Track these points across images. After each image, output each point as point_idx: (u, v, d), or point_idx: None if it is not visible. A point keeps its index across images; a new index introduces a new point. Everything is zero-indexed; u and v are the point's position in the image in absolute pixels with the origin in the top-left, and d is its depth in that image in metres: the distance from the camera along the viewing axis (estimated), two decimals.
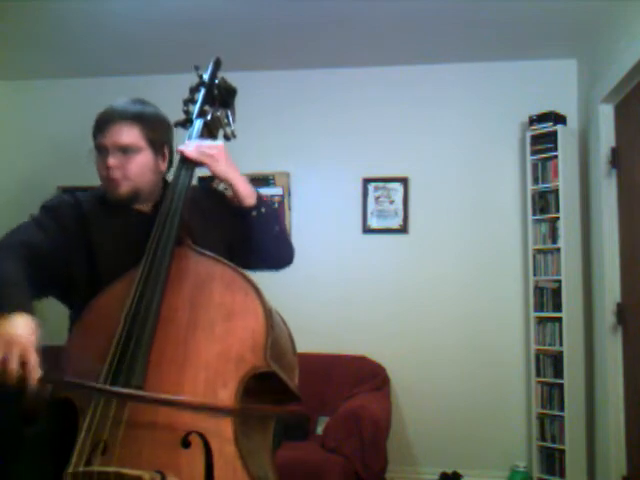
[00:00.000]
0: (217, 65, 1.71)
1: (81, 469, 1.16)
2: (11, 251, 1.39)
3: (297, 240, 1.79)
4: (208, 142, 1.57)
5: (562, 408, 3.31)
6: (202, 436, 1.20)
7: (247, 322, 1.31)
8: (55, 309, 1.63)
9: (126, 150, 1.52)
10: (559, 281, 3.38)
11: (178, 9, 3.23)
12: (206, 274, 1.39)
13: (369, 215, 3.89)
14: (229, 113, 1.69)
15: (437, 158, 3.85)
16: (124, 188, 1.53)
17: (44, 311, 1.41)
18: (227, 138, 1.68)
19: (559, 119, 3.50)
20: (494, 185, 3.79)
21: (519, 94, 3.77)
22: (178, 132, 1.67)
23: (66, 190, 3.99)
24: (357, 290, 3.83)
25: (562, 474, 3.29)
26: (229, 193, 1.61)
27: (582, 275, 3.43)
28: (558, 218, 3.42)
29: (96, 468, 1.16)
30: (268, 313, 1.32)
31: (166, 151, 1.62)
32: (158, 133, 1.58)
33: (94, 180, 1.65)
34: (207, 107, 1.66)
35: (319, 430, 3.29)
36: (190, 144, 1.55)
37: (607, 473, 3.06)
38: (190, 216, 1.52)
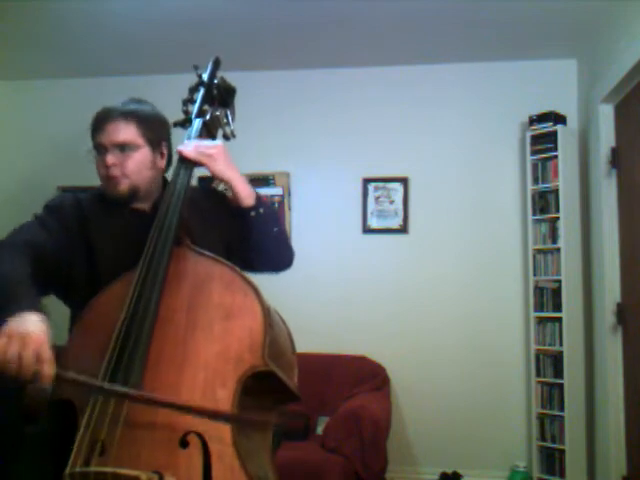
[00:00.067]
0: (216, 65, 1.71)
1: (78, 469, 1.16)
2: (16, 250, 1.40)
3: (297, 240, 1.79)
4: (207, 142, 1.57)
5: (562, 408, 3.31)
6: (200, 436, 1.20)
7: (245, 321, 1.31)
8: (56, 310, 1.63)
9: (124, 148, 1.52)
10: (559, 281, 3.39)
11: (178, 9, 3.23)
12: (205, 274, 1.39)
13: (369, 215, 3.89)
14: (228, 113, 1.68)
15: (437, 158, 3.85)
16: (123, 186, 1.53)
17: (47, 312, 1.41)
18: (226, 138, 1.67)
19: (559, 119, 3.50)
20: (494, 185, 3.79)
21: (519, 94, 3.77)
22: (177, 132, 1.67)
23: (66, 190, 3.99)
24: (357, 290, 3.83)
25: (562, 474, 3.29)
26: (229, 194, 1.60)
27: (582, 275, 3.43)
28: (558, 218, 3.42)
29: (93, 468, 1.16)
30: (266, 312, 1.32)
31: (164, 148, 1.62)
32: (155, 130, 1.58)
33: (94, 180, 1.65)
34: (206, 107, 1.65)
35: (319, 430, 3.30)
36: (189, 144, 1.55)
37: (607, 473, 3.06)
38: (189, 216, 1.52)
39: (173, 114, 1.67)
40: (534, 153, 3.54)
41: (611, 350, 3.08)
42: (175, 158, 1.60)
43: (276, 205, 3.92)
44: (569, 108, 3.63)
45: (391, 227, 3.86)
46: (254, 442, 1.31)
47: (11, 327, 1.17)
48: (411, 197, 3.86)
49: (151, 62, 3.93)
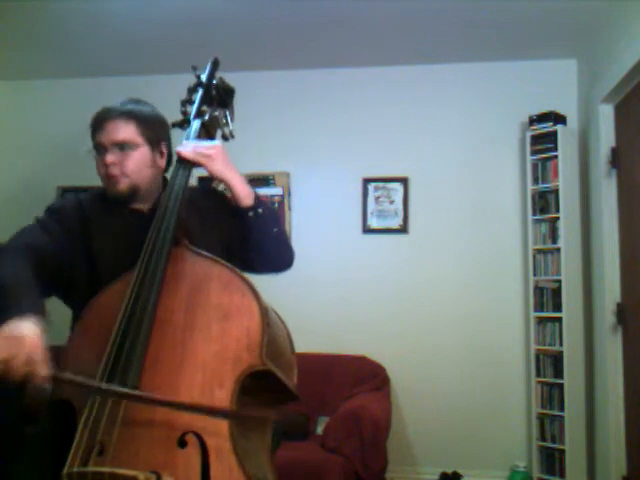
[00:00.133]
0: (215, 65, 1.71)
1: (76, 469, 1.16)
2: (17, 253, 1.41)
3: (297, 240, 1.79)
4: (205, 142, 1.57)
5: (562, 408, 3.31)
6: (198, 436, 1.21)
7: (242, 321, 1.31)
8: (56, 310, 1.63)
9: (123, 147, 1.53)
10: (559, 281, 3.38)
11: (178, 9, 3.23)
12: (203, 275, 1.39)
13: (369, 215, 3.89)
14: (227, 113, 1.68)
15: (437, 158, 3.85)
16: (122, 185, 1.54)
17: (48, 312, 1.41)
18: (225, 138, 1.68)
19: (559, 119, 3.50)
20: (494, 185, 3.79)
21: (519, 94, 3.77)
22: (176, 133, 1.67)
23: (66, 190, 4.00)
24: (357, 290, 3.83)
25: (562, 474, 3.29)
26: (229, 194, 1.61)
27: (582, 275, 3.43)
28: (558, 218, 3.42)
29: (91, 468, 1.16)
30: (264, 312, 1.32)
31: (164, 148, 1.63)
32: (154, 129, 1.59)
33: (94, 180, 1.65)
34: (205, 107, 1.66)
35: (319, 430, 3.29)
36: (187, 145, 1.55)
37: (607, 473, 3.06)
38: (188, 216, 1.52)
39: (173, 114, 1.67)
40: (534, 153, 3.54)
41: (611, 350, 3.08)
42: (175, 158, 1.60)
43: (276, 205, 3.92)
44: (569, 108, 3.63)
45: (391, 227, 3.86)
46: (253, 442, 1.31)
47: (5, 330, 1.19)
48: (411, 197, 3.86)
49: (151, 62, 3.93)
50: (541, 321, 3.46)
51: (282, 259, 1.71)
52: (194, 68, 1.69)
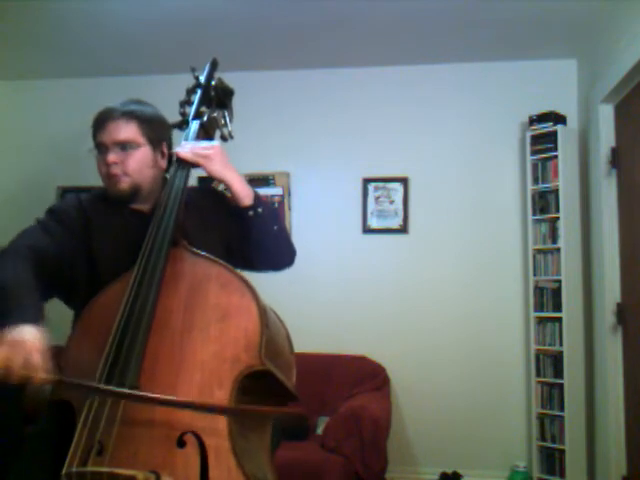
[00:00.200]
0: (213, 66, 1.71)
1: (75, 469, 1.17)
2: (19, 255, 1.41)
3: (297, 240, 1.78)
4: (204, 143, 1.57)
5: (562, 408, 3.31)
6: (197, 436, 1.21)
7: (241, 322, 1.31)
8: (56, 310, 1.63)
9: (125, 146, 1.54)
10: (559, 281, 3.38)
11: (178, 9, 3.23)
12: (202, 275, 1.39)
13: (369, 215, 3.89)
14: (226, 114, 1.69)
15: (437, 158, 3.85)
16: (124, 184, 1.54)
17: (48, 312, 1.41)
18: (224, 139, 1.68)
19: (559, 119, 3.50)
20: (494, 185, 3.79)
21: (519, 94, 3.77)
22: (175, 134, 1.68)
23: (66, 190, 4.00)
24: (357, 290, 3.83)
25: (562, 474, 3.29)
26: (229, 194, 1.61)
27: (582, 275, 3.43)
28: (558, 218, 3.42)
29: (90, 468, 1.16)
30: (263, 312, 1.32)
31: (165, 148, 1.63)
32: (156, 129, 1.60)
33: (94, 180, 1.65)
34: (204, 108, 1.66)
35: (319, 430, 3.29)
36: (185, 145, 1.55)
37: (607, 473, 3.05)
38: (187, 217, 1.53)
39: (173, 114, 1.67)
40: (534, 153, 3.54)
41: (611, 350, 3.08)
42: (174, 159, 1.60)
43: (276, 205, 3.92)
44: (569, 108, 3.63)
45: (391, 227, 3.86)
46: (252, 442, 1.31)
47: (6, 334, 1.21)
48: (411, 197, 3.86)
49: (151, 62, 3.93)
50: (541, 321, 3.46)
51: (282, 257, 1.71)
52: (193, 69, 1.69)
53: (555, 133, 3.46)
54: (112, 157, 1.53)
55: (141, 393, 1.22)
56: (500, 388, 3.65)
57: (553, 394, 3.37)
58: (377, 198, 3.88)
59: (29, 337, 1.21)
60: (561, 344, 3.34)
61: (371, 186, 3.89)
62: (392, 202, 3.86)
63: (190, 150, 1.53)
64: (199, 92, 1.67)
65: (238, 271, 1.40)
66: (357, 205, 3.90)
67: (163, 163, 1.63)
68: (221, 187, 1.73)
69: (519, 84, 3.79)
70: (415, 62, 3.87)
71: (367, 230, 3.88)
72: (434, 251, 3.81)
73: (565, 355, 3.32)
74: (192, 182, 1.63)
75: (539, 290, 3.48)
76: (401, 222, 3.85)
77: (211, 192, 1.79)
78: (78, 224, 1.56)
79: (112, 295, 1.41)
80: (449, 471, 3.55)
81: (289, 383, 1.38)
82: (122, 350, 1.28)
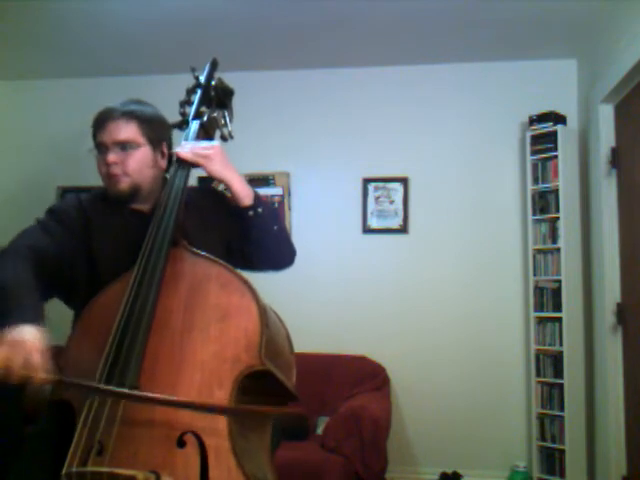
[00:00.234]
0: (213, 66, 1.71)
1: (75, 469, 1.17)
2: (19, 255, 1.41)
3: (297, 240, 1.78)
4: (203, 143, 1.57)
5: (562, 408, 3.31)
6: (197, 436, 1.21)
7: (241, 322, 1.31)
8: (57, 310, 1.63)
9: (125, 146, 1.54)
10: (559, 281, 3.38)
11: (178, 9, 3.23)
12: (202, 275, 1.39)
13: (369, 215, 3.89)
14: (226, 114, 1.69)
15: (437, 158, 3.85)
16: (124, 184, 1.55)
17: (48, 312, 1.41)
18: (224, 139, 1.68)
19: (559, 119, 3.50)
20: (494, 185, 3.79)
21: (519, 94, 3.77)
22: (175, 134, 1.68)
23: (66, 190, 4.00)
24: (357, 290, 3.83)
25: (562, 474, 3.29)
26: (229, 194, 1.61)
27: (582, 275, 3.43)
28: (558, 218, 3.42)
29: (90, 468, 1.16)
30: (263, 312, 1.32)
31: (165, 148, 1.63)
32: (156, 130, 1.60)
33: (94, 180, 1.65)
34: (204, 108, 1.66)
35: (319, 430, 3.29)
36: (185, 145, 1.55)
37: (607, 473, 3.05)
38: (187, 217, 1.53)
39: (173, 114, 1.67)
40: (534, 153, 3.54)
41: (611, 350, 3.08)
42: (174, 159, 1.60)
43: (276, 205, 3.92)
44: (569, 108, 3.63)
45: (391, 227, 3.86)
46: (252, 442, 1.32)
47: (6, 335, 1.21)
48: (411, 197, 3.86)
49: (151, 62, 3.93)
50: (541, 321, 3.46)
51: (282, 256, 1.71)
52: (193, 69, 1.69)
53: (555, 133, 3.46)
54: (112, 157, 1.53)
55: (141, 393, 1.22)
56: (500, 388, 3.65)
57: (553, 394, 3.37)
58: (377, 198, 3.88)
59: (29, 337, 1.21)
60: (561, 344, 3.34)
61: (371, 186, 3.89)
62: (392, 202, 3.86)
63: (190, 150, 1.53)
64: (199, 92, 1.67)
65: (238, 271, 1.40)
66: (357, 205, 3.90)
67: (163, 163, 1.63)
68: (221, 187, 1.73)
69: (519, 84, 3.79)
70: (415, 62, 3.87)
71: (367, 230, 3.88)
72: (434, 251, 3.81)
73: (565, 355, 3.32)
74: (192, 182, 1.63)
75: (539, 290, 3.48)
76: (401, 222, 3.85)
77: (211, 192, 1.79)
78: (78, 224, 1.56)
79: (112, 295, 1.41)
80: (449, 471, 3.55)
81: (289, 383, 1.38)
82: (122, 350, 1.28)
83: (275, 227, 1.65)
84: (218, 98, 1.69)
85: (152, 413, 1.22)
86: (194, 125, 1.62)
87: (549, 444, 3.36)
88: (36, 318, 1.27)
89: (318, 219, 3.93)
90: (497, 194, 3.78)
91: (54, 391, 1.33)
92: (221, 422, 1.22)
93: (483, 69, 3.84)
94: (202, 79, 1.68)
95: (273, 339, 1.34)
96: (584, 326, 3.40)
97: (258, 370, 1.27)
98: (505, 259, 3.73)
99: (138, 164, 1.55)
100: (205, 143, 1.57)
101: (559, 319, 3.37)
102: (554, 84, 3.73)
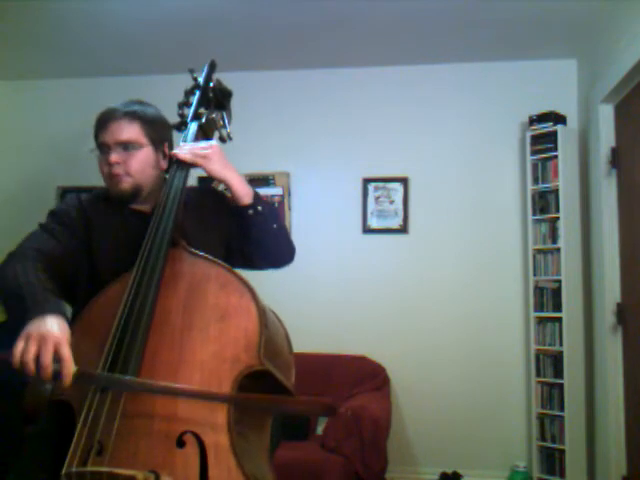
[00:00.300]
0: (212, 68, 1.71)
1: (74, 469, 1.17)
2: (28, 257, 1.42)
3: (297, 240, 1.78)
4: (202, 143, 1.58)
5: (562, 408, 3.31)
6: (197, 436, 1.21)
7: (240, 322, 1.31)
8: None
9: (127, 146, 1.54)
10: (559, 281, 3.38)
11: (178, 9, 3.23)
12: (201, 275, 1.39)
13: (369, 215, 3.89)
14: (225, 115, 1.69)
15: (437, 158, 3.85)
16: (126, 184, 1.55)
17: None
18: (223, 140, 1.68)
19: (559, 119, 3.50)
20: (494, 185, 3.79)
21: (519, 94, 3.77)
22: (174, 135, 1.68)
23: (66, 190, 4.00)
24: (357, 290, 3.83)
25: (562, 474, 3.29)
26: (229, 193, 1.61)
27: (582, 275, 3.43)
28: (558, 218, 3.42)
29: (89, 468, 1.17)
30: (262, 312, 1.32)
31: (166, 149, 1.64)
32: (158, 130, 1.60)
33: (94, 180, 1.66)
34: (202, 110, 1.66)
35: (319, 430, 3.30)
36: (184, 147, 1.56)
37: (607, 473, 3.05)
38: (186, 217, 1.53)
39: (173, 114, 1.68)
40: (534, 153, 3.54)
41: (611, 350, 3.08)
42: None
43: (276, 205, 3.92)
44: (569, 108, 3.63)
45: (391, 227, 3.86)
46: (251, 442, 1.32)
47: (30, 329, 1.21)
48: (411, 197, 3.86)
49: (151, 62, 3.93)
50: (541, 321, 3.46)
51: (282, 255, 1.71)
52: (191, 70, 1.70)
53: (555, 133, 3.46)
54: (114, 157, 1.53)
55: (156, 383, 1.22)
56: (500, 388, 3.65)
57: (553, 394, 3.37)
58: (377, 198, 3.88)
59: (55, 329, 1.21)
60: (561, 344, 3.34)
61: (371, 186, 3.89)
62: (392, 202, 3.86)
63: (189, 151, 1.53)
64: (197, 93, 1.67)
65: (237, 271, 1.40)
66: (357, 205, 3.90)
67: (164, 164, 1.64)
68: (221, 187, 1.74)
69: (519, 84, 3.79)
70: (415, 62, 3.87)
71: (367, 230, 3.88)
72: (434, 251, 3.81)
73: (565, 355, 3.32)
74: (192, 182, 1.63)
75: (539, 290, 3.49)
76: (401, 222, 3.85)
77: (211, 192, 1.79)
78: (78, 224, 1.57)
79: (111, 295, 1.41)
80: (449, 471, 3.55)
81: (288, 383, 1.39)
82: (122, 349, 1.28)
83: (275, 225, 1.65)
84: (217, 99, 1.69)
85: (152, 412, 1.22)
86: (193, 126, 1.62)
87: (549, 444, 3.36)
88: (58, 309, 1.27)
89: (318, 219, 3.93)
90: (497, 194, 3.78)
91: (54, 391, 1.32)
92: (221, 422, 1.22)
93: (483, 69, 3.85)
94: (200, 80, 1.68)
95: (272, 339, 1.34)
96: (584, 326, 3.40)
97: (257, 370, 1.27)
98: (505, 259, 3.73)
99: (140, 164, 1.55)
100: (203, 143, 1.57)
101: (559, 319, 3.37)
102: (554, 84, 3.73)
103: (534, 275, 3.51)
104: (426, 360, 3.72)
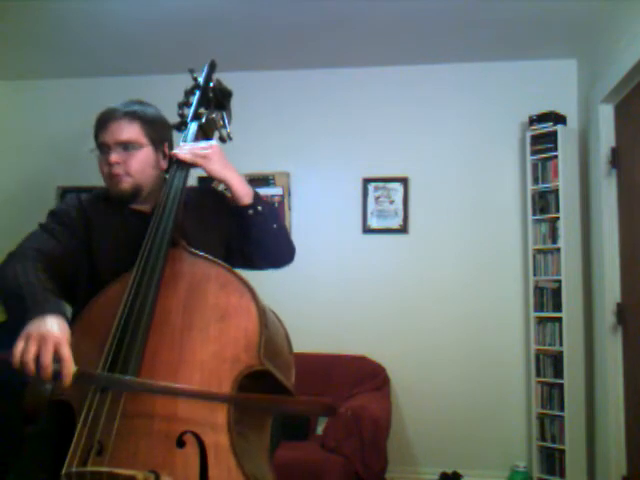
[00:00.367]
0: (212, 68, 1.71)
1: (74, 469, 1.17)
2: (28, 257, 1.42)
3: (297, 240, 1.78)
4: (202, 143, 1.58)
5: (562, 408, 3.31)
6: (197, 436, 1.21)
7: (240, 322, 1.31)
8: None
9: (127, 146, 1.55)
10: (559, 281, 3.38)
11: (178, 9, 3.23)
12: (201, 275, 1.39)
13: (369, 215, 3.89)
14: (225, 115, 1.69)
15: (437, 158, 3.85)
16: (126, 184, 1.55)
17: None
18: (223, 140, 1.68)
19: (559, 119, 3.50)
20: (494, 185, 3.79)
21: (519, 94, 3.77)
22: (174, 135, 1.68)
23: (66, 190, 4.00)
24: (357, 290, 3.83)
25: (562, 474, 3.29)
26: (229, 193, 1.61)
27: (582, 275, 3.43)
28: (558, 218, 3.42)
29: (89, 468, 1.17)
30: (262, 312, 1.32)
31: (166, 149, 1.64)
32: (158, 130, 1.61)
33: (94, 180, 1.66)
34: (202, 110, 1.66)
35: (319, 430, 3.30)
36: (184, 147, 1.56)
37: (607, 473, 3.05)
38: (186, 217, 1.53)
39: (173, 114, 1.68)
40: (534, 153, 3.54)
41: (611, 350, 3.08)
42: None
43: (276, 205, 3.92)
44: (569, 108, 3.63)
45: (391, 227, 3.86)
46: (251, 442, 1.32)
47: (30, 329, 1.20)
48: (411, 197, 3.86)
49: (151, 62, 3.93)
50: (541, 321, 3.46)
51: (282, 254, 1.71)
52: (191, 70, 1.69)
53: (555, 133, 3.46)
54: (115, 157, 1.53)
55: (156, 383, 1.22)
56: (500, 388, 3.65)
57: (553, 394, 3.37)
58: (377, 198, 3.88)
59: (55, 329, 1.21)
60: (561, 344, 3.34)
61: (371, 186, 3.89)
62: (392, 202, 3.86)
63: (189, 151, 1.53)
64: (197, 94, 1.68)
65: (237, 271, 1.40)
66: (357, 205, 3.90)
67: (164, 164, 1.64)
68: (221, 187, 1.74)
69: (519, 84, 3.79)
70: (415, 62, 3.87)
71: (367, 230, 3.88)
72: (434, 251, 3.81)
73: (565, 355, 3.32)
74: (192, 182, 1.63)
75: (539, 290, 3.49)
76: (401, 222, 3.85)
77: (211, 192, 1.79)
78: (78, 224, 1.57)
79: (111, 295, 1.41)
80: (449, 471, 3.55)
81: (288, 383, 1.39)
82: (121, 350, 1.28)
83: (275, 225, 1.65)
84: (217, 99, 1.69)
85: (152, 412, 1.22)
86: (192, 126, 1.62)
87: (549, 444, 3.36)
88: (58, 309, 1.27)
89: (318, 219, 3.93)
90: (497, 194, 3.78)
91: (54, 391, 1.32)
92: (221, 422, 1.22)
93: (483, 69, 3.85)
94: (200, 80, 1.68)
95: (272, 339, 1.34)
96: (584, 326, 3.40)
97: (257, 370, 1.27)
98: (505, 259, 3.73)
99: (140, 164, 1.56)
100: (203, 143, 1.57)
101: (559, 319, 3.37)
102: (554, 84, 3.73)
103: (534, 275, 3.51)
104: (426, 360, 3.73)
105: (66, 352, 1.19)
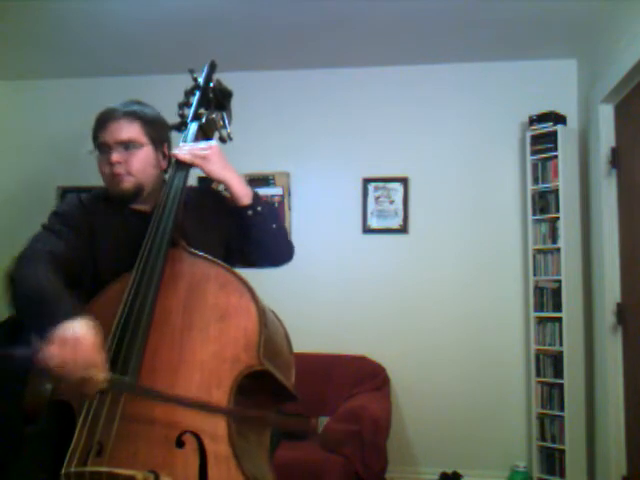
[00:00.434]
0: (212, 68, 1.71)
1: (74, 469, 1.17)
2: (41, 260, 1.40)
3: (297, 240, 1.78)
4: (201, 143, 1.58)
5: (562, 408, 3.31)
6: (196, 436, 1.21)
7: (240, 322, 1.31)
8: None
9: (128, 146, 1.55)
10: (559, 281, 3.38)
11: (178, 9, 3.23)
12: (201, 275, 1.39)
13: (369, 215, 3.89)
14: (225, 116, 1.69)
15: (437, 158, 3.85)
16: (127, 183, 1.55)
17: None
18: (223, 140, 1.68)
19: (559, 119, 3.50)
20: (494, 185, 3.79)
21: (519, 94, 3.77)
22: (174, 135, 1.68)
23: (66, 190, 4.00)
24: (357, 290, 3.83)
25: (562, 474, 3.29)
26: (228, 194, 1.61)
27: (582, 275, 3.43)
28: (558, 218, 3.42)
29: (89, 468, 1.17)
30: (261, 312, 1.33)
31: (166, 149, 1.64)
32: (157, 130, 1.61)
33: (94, 180, 1.66)
34: (202, 110, 1.66)
35: (319, 430, 3.29)
36: (183, 147, 1.56)
37: (607, 473, 3.06)
38: (186, 217, 1.53)
39: (173, 114, 1.68)
40: (534, 153, 3.54)
41: (611, 350, 3.08)
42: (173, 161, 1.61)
43: (276, 205, 3.92)
44: (569, 108, 3.63)
45: (391, 227, 3.86)
46: (251, 442, 1.32)
47: (62, 333, 1.18)
48: (411, 197, 3.86)
49: (151, 62, 3.93)
50: (541, 321, 3.46)
51: (281, 254, 1.72)
52: (191, 71, 1.69)
53: (555, 133, 3.46)
54: (116, 156, 1.53)
55: (155, 390, 1.22)
56: (500, 388, 3.65)
57: (553, 394, 3.37)
58: (377, 198, 3.88)
59: (83, 334, 1.19)
60: (561, 344, 3.34)
61: (371, 186, 3.89)
62: (392, 202, 3.86)
63: (188, 151, 1.54)
64: (197, 94, 1.68)
65: (237, 271, 1.40)
66: (357, 205, 3.90)
67: (164, 164, 1.65)
68: (221, 187, 1.74)
69: (519, 84, 3.79)
70: (415, 62, 3.87)
71: (367, 230, 3.88)
72: (434, 251, 3.81)
73: (565, 355, 3.32)
74: (192, 182, 1.63)
75: (539, 290, 3.48)
76: (401, 222, 3.85)
77: (210, 192, 1.79)
78: (82, 225, 1.56)
79: (111, 295, 1.41)
80: (449, 471, 3.55)
81: (288, 383, 1.39)
82: (122, 350, 1.28)
83: (274, 226, 1.65)
84: (217, 100, 1.69)
85: (151, 413, 1.23)
86: (193, 127, 1.62)
87: (549, 444, 3.36)
88: (82, 316, 1.25)
89: (318, 219, 3.93)
90: (497, 194, 3.78)
91: (54, 391, 1.32)
92: (221, 423, 1.22)
93: (483, 69, 3.84)
94: (200, 81, 1.68)
95: (272, 339, 1.35)
96: (584, 326, 3.40)
97: (257, 370, 1.27)
98: (505, 259, 3.73)
99: (141, 164, 1.56)
100: (203, 144, 1.57)
101: (559, 319, 3.37)
102: (554, 84, 3.73)
103: (534, 275, 3.51)
104: (426, 360, 3.73)
105: (98, 358, 1.18)
